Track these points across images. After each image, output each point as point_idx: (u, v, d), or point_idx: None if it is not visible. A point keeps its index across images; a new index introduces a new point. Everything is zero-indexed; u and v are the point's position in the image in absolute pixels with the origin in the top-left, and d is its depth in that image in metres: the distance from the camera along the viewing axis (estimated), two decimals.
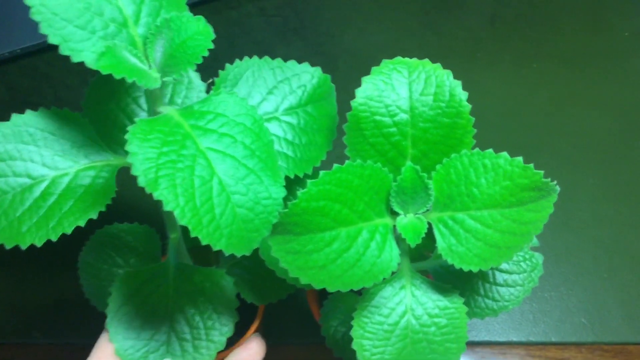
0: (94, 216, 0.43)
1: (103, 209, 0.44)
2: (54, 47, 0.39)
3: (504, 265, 0.52)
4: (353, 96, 0.45)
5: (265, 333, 0.71)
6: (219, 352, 0.49)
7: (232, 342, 0.60)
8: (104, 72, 0.38)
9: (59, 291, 0.75)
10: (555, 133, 0.79)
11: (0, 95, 0.84)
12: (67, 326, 0.74)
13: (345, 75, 0.83)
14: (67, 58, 0.39)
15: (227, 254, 0.39)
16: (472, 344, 0.71)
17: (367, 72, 0.46)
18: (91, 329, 0.73)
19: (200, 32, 0.40)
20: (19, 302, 0.74)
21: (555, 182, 0.43)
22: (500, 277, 0.51)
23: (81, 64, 0.39)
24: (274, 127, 0.50)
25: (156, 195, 0.37)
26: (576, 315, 0.71)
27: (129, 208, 0.73)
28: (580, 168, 0.78)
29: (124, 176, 0.38)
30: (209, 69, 0.51)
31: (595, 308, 0.71)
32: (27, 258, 0.76)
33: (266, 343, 0.70)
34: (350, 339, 0.45)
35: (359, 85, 0.45)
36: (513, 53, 0.84)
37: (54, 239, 0.42)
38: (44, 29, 0.39)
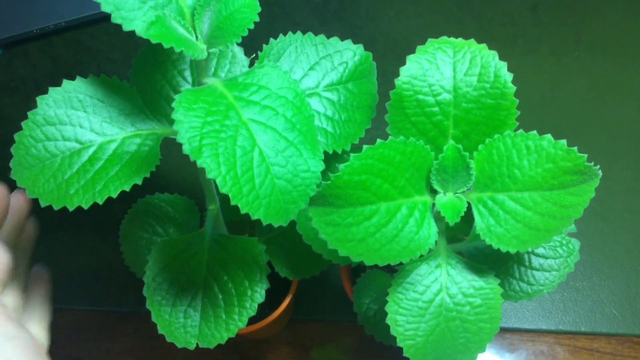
0: (139, 182, 0.44)
1: (147, 175, 0.44)
2: (98, 21, 0.39)
3: (540, 250, 0.52)
4: (390, 78, 0.45)
5: (297, 308, 0.72)
6: (250, 319, 0.50)
7: (265, 315, 0.61)
8: (154, 40, 0.39)
9: (100, 259, 0.77)
10: (593, 122, 0.79)
11: (43, 67, 0.85)
12: (107, 293, 0.75)
13: (383, 58, 0.83)
14: (110, 32, 0.40)
15: (264, 223, 0.39)
16: (501, 330, 0.70)
17: (405, 55, 0.46)
18: (131, 295, 0.74)
19: (247, 5, 0.41)
20: (61, 269, 0.76)
21: (598, 167, 0.42)
22: (536, 261, 0.51)
23: (124, 38, 0.40)
24: (314, 103, 0.50)
25: (199, 163, 0.38)
26: (607, 306, 0.70)
27: (170, 180, 0.74)
28: (617, 159, 0.77)
29: (166, 149, 0.38)
30: (248, 48, 0.52)
31: (627, 300, 0.70)
32: (69, 226, 0.77)
33: (298, 318, 0.71)
34: (382, 317, 0.46)
35: (396, 68, 0.45)
36: (553, 41, 0.83)
37: (100, 202, 0.43)
38: None
